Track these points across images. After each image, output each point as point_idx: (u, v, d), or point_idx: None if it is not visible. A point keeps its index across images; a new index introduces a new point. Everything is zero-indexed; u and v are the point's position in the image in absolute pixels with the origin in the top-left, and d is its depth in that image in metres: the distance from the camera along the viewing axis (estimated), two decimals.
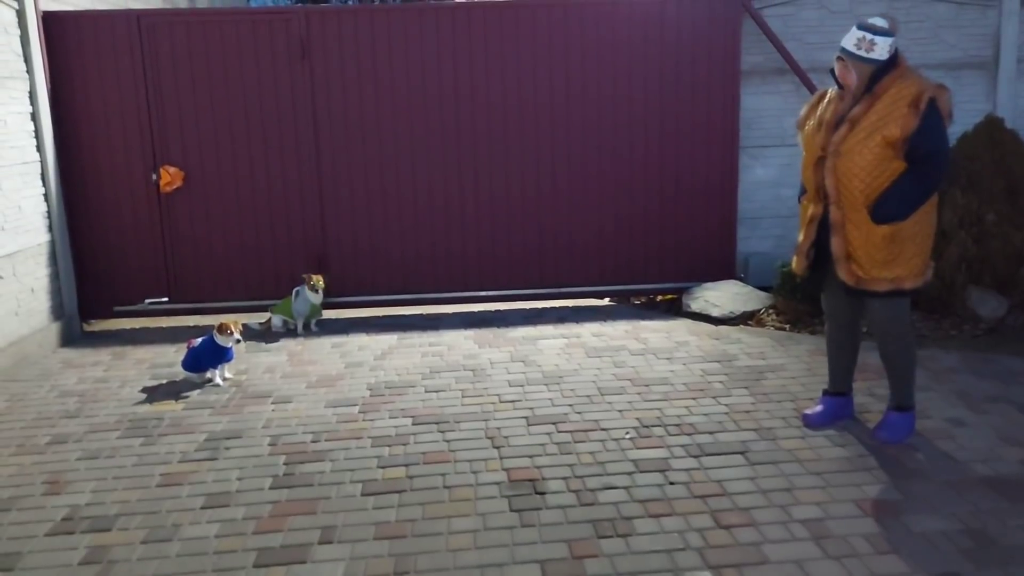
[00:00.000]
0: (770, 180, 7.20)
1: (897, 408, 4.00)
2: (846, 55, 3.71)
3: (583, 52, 6.71)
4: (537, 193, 6.90)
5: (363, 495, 3.61)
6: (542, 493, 3.57)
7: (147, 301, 6.80)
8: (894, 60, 3.69)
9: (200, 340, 5.24)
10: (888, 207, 3.66)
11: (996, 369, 4.89)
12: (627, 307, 6.93)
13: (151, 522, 3.44)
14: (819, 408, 4.23)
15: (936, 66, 7.02)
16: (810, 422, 4.18)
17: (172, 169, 6.62)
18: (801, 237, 4.04)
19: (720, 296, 6.47)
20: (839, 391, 4.24)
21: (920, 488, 3.49)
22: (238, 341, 5.26)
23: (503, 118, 6.78)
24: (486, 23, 6.65)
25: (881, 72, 3.67)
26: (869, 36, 3.65)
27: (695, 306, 6.45)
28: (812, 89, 6.77)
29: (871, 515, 3.29)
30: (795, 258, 4.11)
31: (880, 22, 3.68)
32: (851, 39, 3.70)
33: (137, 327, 6.71)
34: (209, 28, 6.53)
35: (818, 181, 3.85)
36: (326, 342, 6.06)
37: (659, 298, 7.11)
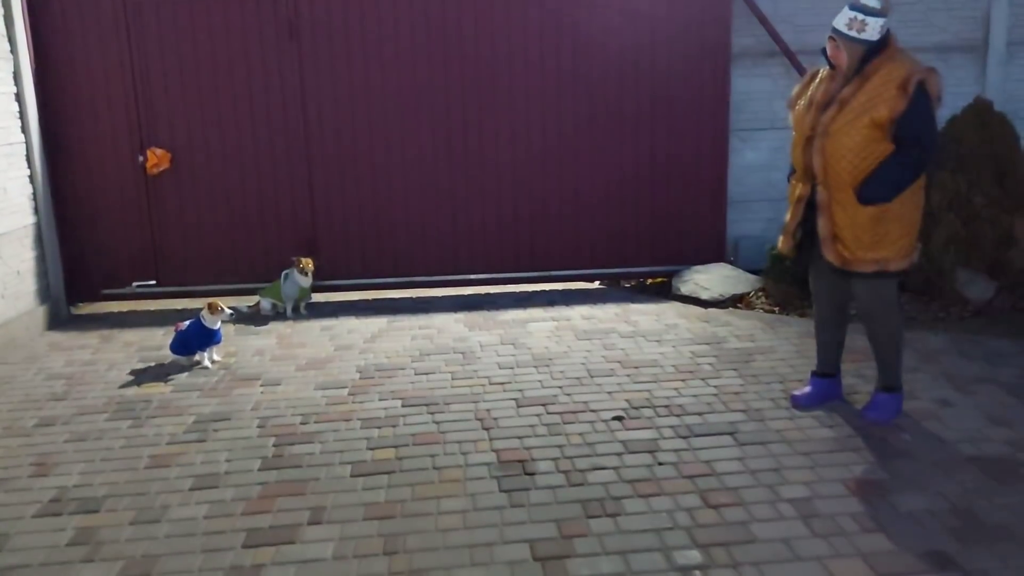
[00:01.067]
0: (760, 163, 7.19)
1: (885, 389, 4.03)
2: (837, 35, 3.69)
3: (574, 33, 6.67)
4: (528, 176, 6.87)
5: (352, 476, 3.61)
6: (531, 474, 3.58)
7: (135, 284, 6.76)
8: (885, 41, 3.67)
9: (188, 323, 5.21)
10: (874, 188, 3.65)
11: (983, 351, 4.92)
12: (617, 290, 6.93)
13: (139, 503, 3.43)
14: (808, 389, 4.25)
15: (926, 49, 7.00)
16: (798, 403, 4.20)
17: (159, 151, 6.56)
18: (788, 217, 4.04)
19: (710, 279, 6.48)
20: (827, 372, 4.26)
21: (907, 468, 3.51)
22: (231, 315, 5.24)
23: (493, 101, 6.74)
24: (476, 5, 6.59)
25: (872, 53, 3.65)
26: (860, 16, 3.62)
27: (685, 289, 6.45)
28: (802, 72, 6.74)
29: (858, 495, 3.31)
30: (781, 238, 4.12)
31: (872, 2, 3.63)
32: (843, 19, 3.67)
33: (125, 310, 6.67)
34: (197, 7, 6.46)
35: (806, 161, 3.84)
36: (315, 325, 6.04)
37: (649, 281, 7.12)
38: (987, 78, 7.22)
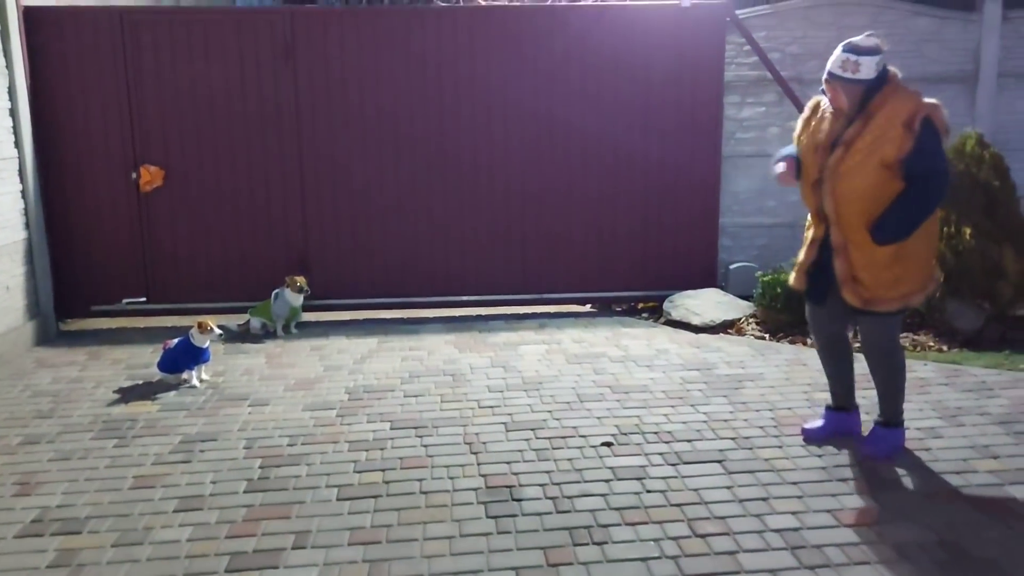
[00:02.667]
0: (753, 190, 7.24)
1: (884, 423, 3.96)
2: (833, 78, 3.62)
3: (569, 59, 6.72)
4: (521, 199, 6.89)
5: (338, 500, 3.58)
6: (519, 500, 3.56)
7: (124, 301, 6.74)
8: (884, 77, 3.61)
9: (176, 341, 5.19)
10: (889, 228, 3.58)
11: (972, 381, 4.93)
12: (608, 314, 6.93)
13: (122, 525, 3.40)
14: (819, 423, 4.16)
15: (918, 80, 7.06)
16: (808, 436, 4.11)
17: (152, 168, 6.56)
18: (802, 256, 3.96)
19: (701, 304, 6.49)
20: (841, 406, 4.15)
21: (896, 499, 3.51)
22: (220, 335, 5.22)
23: (487, 123, 6.78)
24: (472, 27, 6.65)
25: (872, 91, 3.59)
26: (853, 57, 3.55)
27: (676, 314, 6.46)
28: (794, 99, 6.80)
29: (846, 525, 3.29)
30: (794, 274, 4.03)
31: (864, 41, 3.59)
32: (836, 61, 3.60)
33: (114, 327, 6.64)
34: (193, 27, 6.49)
35: (817, 203, 3.77)
36: (305, 345, 6.02)
37: (640, 305, 7.12)
38: (977, 109, 7.29)
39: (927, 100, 3.58)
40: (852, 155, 3.60)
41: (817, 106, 3.89)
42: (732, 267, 7.10)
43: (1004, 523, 3.29)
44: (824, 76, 3.68)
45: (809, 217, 3.93)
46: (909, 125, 3.50)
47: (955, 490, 3.58)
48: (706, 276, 7.04)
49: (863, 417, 4.18)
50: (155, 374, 5.24)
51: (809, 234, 3.92)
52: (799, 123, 3.96)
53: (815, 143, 3.77)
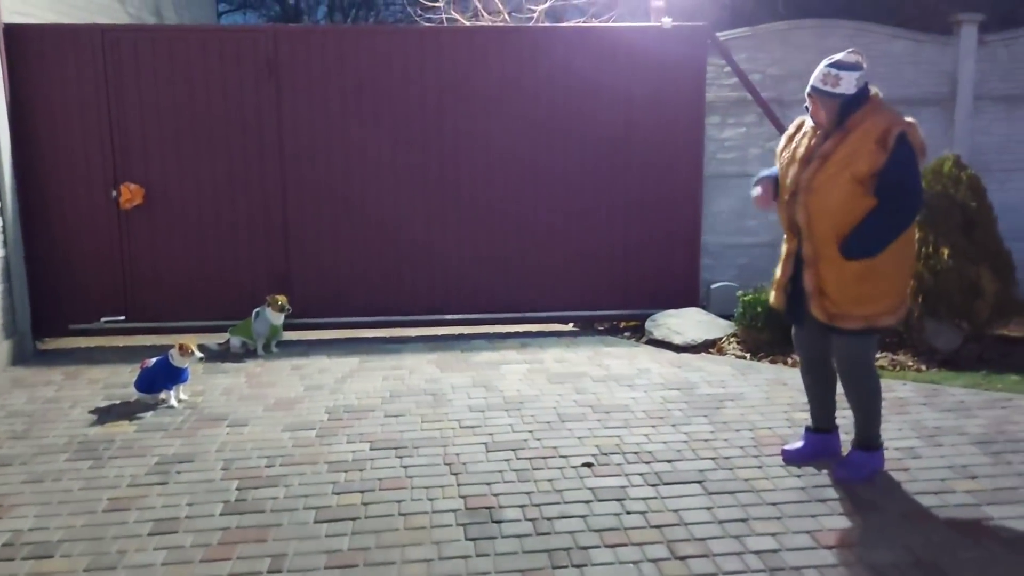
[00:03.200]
0: (734, 210, 7.28)
1: (860, 446, 3.95)
2: (814, 91, 3.67)
3: (552, 80, 6.76)
4: (504, 219, 6.90)
5: (316, 522, 3.54)
6: (498, 521, 3.53)
7: (103, 320, 6.68)
8: (864, 95, 3.65)
9: (155, 360, 5.14)
10: (858, 243, 3.61)
11: (951, 401, 4.96)
12: (591, 333, 6.94)
13: (95, 549, 3.34)
14: (799, 444, 4.16)
15: (896, 102, 7.11)
16: (787, 458, 4.11)
17: (133, 186, 6.53)
18: (779, 272, 3.99)
19: (682, 324, 6.51)
20: (820, 428, 4.15)
21: (874, 519, 3.51)
22: (200, 359, 5.18)
23: (470, 142, 6.80)
24: (455, 48, 6.67)
25: (851, 106, 3.63)
26: (834, 71, 3.61)
27: (658, 333, 6.47)
28: (774, 120, 6.87)
29: (825, 547, 3.29)
30: (773, 292, 4.05)
31: (846, 57, 3.65)
32: (819, 76, 3.66)
33: (92, 346, 6.58)
34: (176, 44, 6.48)
35: (790, 217, 3.81)
36: (286, 364, 5.99)
37: (623, 324, 7.13)
38: (955, 131, 7.39)
39: (903, 118, 3.61)
40: (826, 169, 3.64)
41: (801, 124, 3.94)
42: (713, 286, 7.13)
43: (981, 544, 3.29)
44: (807, 90, 3.73)
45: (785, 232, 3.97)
46: (883, 141, 3.53)
47: (933, 511, 3.58)
48: (688, 295, 7.06)
49: (843, 437, 4.19)
50: (133, 394, 5.18)
51: (784, 248, 3.95)
52: (782, 140, 4.01)
53: (794, 157, 3.81)
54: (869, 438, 3.93)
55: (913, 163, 3.58)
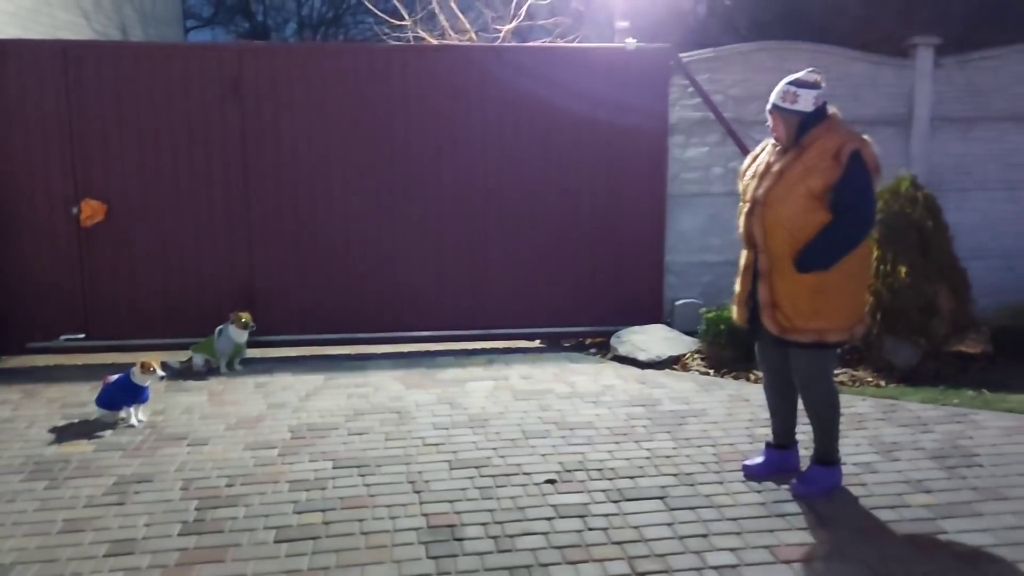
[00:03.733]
0: (697, 228, 7.36)
1: (819, 462, 3.99)
2: (773, 108, 3.79)
3: (518, 98, 6.81)
4: (469, 235, 6.92)
5: (276, 542, 3.51)
6: (460, 539, 3.53)
7: (63, 337, 6.59)
8: (822, 113, 3.76)
9: (117, 376, 5.07)
10: (811, 257, 3.69)
11: (908, 416, 5.04)
12: (557, 349, 6.96)
13: (49, 571, 3.28)
14: (760, 459, 4.20)
15: (855, 122, 7.22)
16: (748, 473, 4.14)
17: (94, 202, 6.47)
18: (738, 287, 4.05)
19: (647, 340, 6.55)
20: (781, 444, 4.19)
21: (832, 534, 3.55)
22: (162, 378, 5.12)
23: (436, 160, 6.82)
24: (420, 65, 6.71)
25: (808, 124, 3.73)
26: (793, 89, 3.74)
27: (623, 350, 6.51)
28: (736, 140, 6.98)
29: (783, 561, 3.33)
30: (734, 307, 4.10)
31: (805, 76, 3.78)
32: (778, 93, 3.79)
33: (51, 364, 6.48)
34: (139, 61, 6.45)
35: (748, 230, 3.90)
36: (249, 382, 5.94)
37: (589, 341, 7.17)
38: (911, 152, 7.55)
39: (858, 136, 3.72)
40: (782, 183, 3.74)
41: (764, 149, 4.04)
42: (678, 303, 7.20)
43: (936, 558, 3.35)
44: (768, 107, 3.84)
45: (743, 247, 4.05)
46: (837, 157, 3.64)
47: (889, 525, 3.64)
48: (652, 312, 7.12)
49: (802, 453, 4.24)
50: (92, 412, 5.11)
51: (742, 262, 4.02)
52: (747, 160, 4.12)
53: (755, 174, 3.92)
54: (828, 453, 3.97)
55: (866, 180, 3.69)
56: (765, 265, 3.84)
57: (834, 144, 3.67)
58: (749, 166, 4.05)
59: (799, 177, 3.69)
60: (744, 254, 4.01)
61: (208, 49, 6.93)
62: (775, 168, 3.79)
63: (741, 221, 3.96)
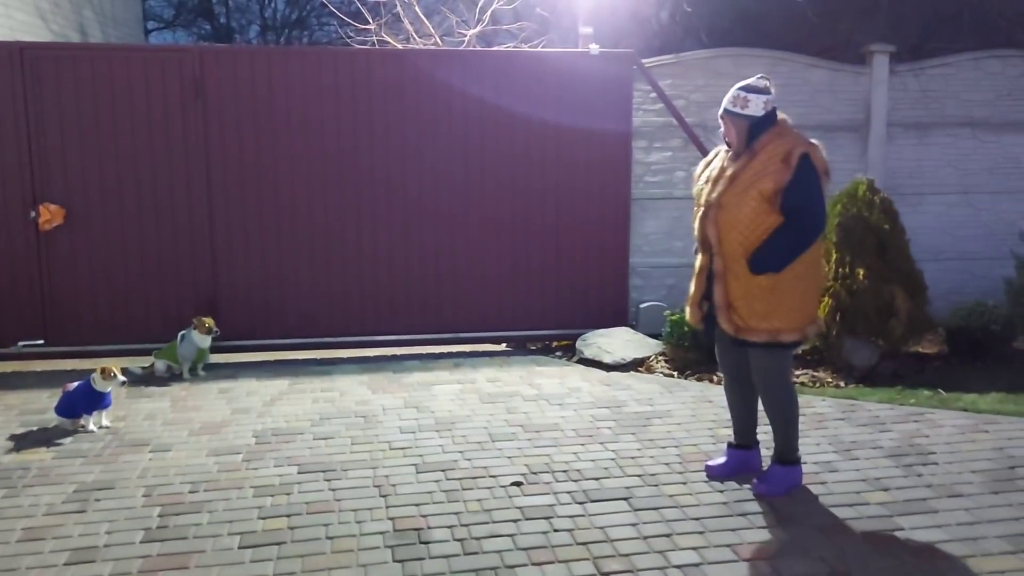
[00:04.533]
0: (661, 231, 7.45)
1: (779, 461, 4.06)
2: (725, 113, 3.90)
3: (482, 102, 6.84)
4: (435, 238, 6.93)
5: (240, 548, 3.49)
6: (427, 542, 3.54)
7: (21, 344, 6.47)
8: (772, 119, 3.86)
9: (76, 384, 5.00)
10: (764, 258, 3.79)
11: (867, 416, 5.15)
12: (523, 353, 6.99)
13: None
14: (722, 460, 4.26)
15: (813, 127, 7.44)
16: (711, 473, 4.20)
17: (52, 207, 6.37)
18: (693, 288, 4.12)
19: (612, 343, 6.61)
20: (742, 444, 4.25)
21: (792, 533, 3.62)
22: (123, 383, 5.05)
23: (401, 163, 6.82)
24: (384, 70, 6.71)
25: (759, 128, 3.83)
26: (743, 94, 3.84)
27: (588, 352, 6.56)
28: (698, 144, 7.08)
29: (745, 560, 3.38)
30: (688, 309, 4.18)
31: (755, 82, 3.89)
32: (729, 98, 3.89)
33: (8, 371, 6.35)
34: (98, 63, 6.36)
35: (703, 233, 3.97)
36: (213, 387, 5.88)
37: (555, 344, 7.21)
38: (869, 156, 7.71)
39: (808, 140, 3.84)
40: (734, 187, 3.83)
41: (716, 155, 4.13)
42: (642, 306, 7.27)
43: (893, 554, 3.43)
44: (720, 112, 3.94)
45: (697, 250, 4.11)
46: (787, 160, 3.74)
47: (848, 523, 3.72)
48: (618, 315, 7.19)
49: (763, 453, 4.31)
50: (51, 420, 5.03)
51: (696, 264, 4.09)
52: (700, 166, 4.20)
53: (708, 178, 4.01)
54: (788, 452, 4.05)
55: (816, 183, 3.79)
56: (719, 267, 3.92)
57: (783, 148, 3.78)
58: (702, 171, 4.12)
59: (750, 180, 3.78)
60: (699, 257, 4.07)
61: (169, 51, 6.86)
62: (728, 172, 3.88)
63: (696, 224, 4.03)
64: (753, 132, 3.84)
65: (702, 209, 3.97)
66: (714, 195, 3.89)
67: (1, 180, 6.32)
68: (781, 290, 3.82)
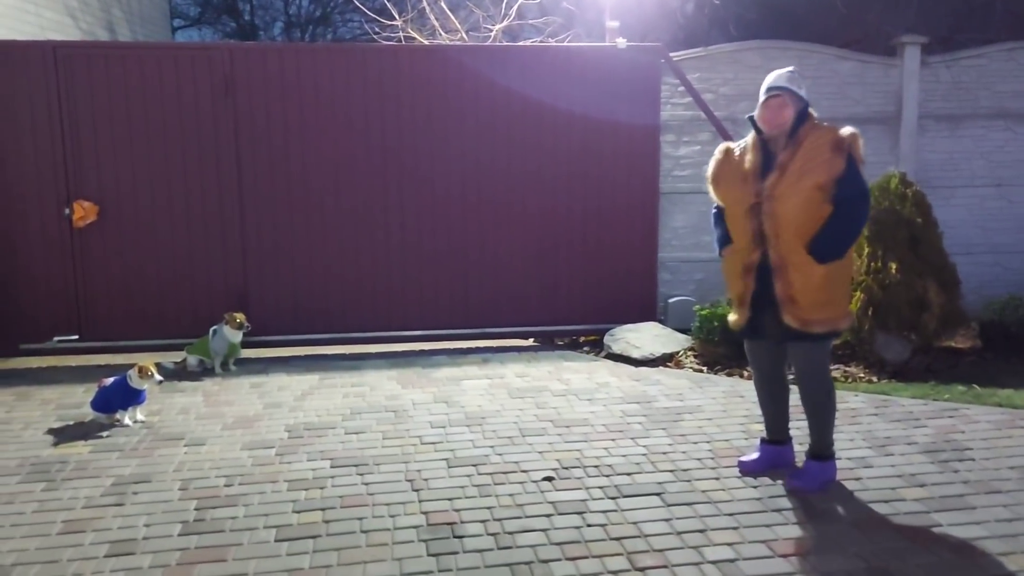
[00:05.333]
0: (689, 226, 7.41)
1: (815, 456, 4.03)
2: (783, 91, 3.78)
3: (510, 97, 6.83)
4: (463, 234, 6.94)
5: (276, 541, 3.52)
6: (460, 537, 3.55)
7: (56, 339, 6.56)
8: (807, 110, 3.82)
9: (112, 380, 5.07)
10: (828, 246, 3.75)
11: (900, 411, 5.09)
12: (551, 348, 6.99)
13: (50, 572, 3.28)
14: (755, 456, 4.23)
15: (842, 120, 7.32)
16: (744, 469, 4.17)
17: (86, 204, 6.45)
18: (739, 288, 3.98)
19: (641, 338, 6.59)
20: (776, 440, 4.22)
21: (828, 528, 3.59)
22: (160, 382, 5.10)
23: (430, 159, 6.83)
24: (413, 66, 6.72)
25: (803, 116, 3.79)
26: (797, 76, 3.84)
27: (616, 347, 6.55)
28: (727, 138, 7.01)
29: (781, 556, 3.36)
30: (736, 310, 4.05)
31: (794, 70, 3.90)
32: (783, 77, 3.82)
33: (44, 366, 6.45)
34: (129, 61, 6.43)
35: (754, 228, 3.86)
36: (244, 382, 5.94)
37: (582, 339, 7.20)
38: (900, 149, 7.62)
39: (849, 129, 3.80)
40: (786, 178, 3.76)
41: (727, 151, 4.06)
42: (671, 301, 7.24)
43: (930, 551, 3.39)
44: (771, 91, 3.81)
45: (732, 249, 4.02)
46: (838, 148, 3.71)
47: (884, 518, 3.68)
48: (646, 310, 7.16)
49: (796, 448, 4.28)
50: (87, 414, 5.10)
51: (737, 265, 3.98)
52: (712, 167, 4.09)
53: (742, 173, 3.92)
54: (823, 447, 4.02)
55: (860, 171, 3.79)
56: (778, 260, 3.82)
57: (827, 137, 3.75)
58: (720, 170, 4.03)
59: (801, 171, 3.73)
60: (742, 254, 3.96)
61: (199, 49, 6.92)
62: (776, 163, 3.80)
63: (744, 221, 3.90)
64: (799, 118, 3.80)
65: (751, 203, 3.84)
66: (765, 187, 3.81)
67: (36, 177, 6.40)
68: (835, 279, 3.81)
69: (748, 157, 3.94)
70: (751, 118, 3.92)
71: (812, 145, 3.75)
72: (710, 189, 4.12)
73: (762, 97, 3.86)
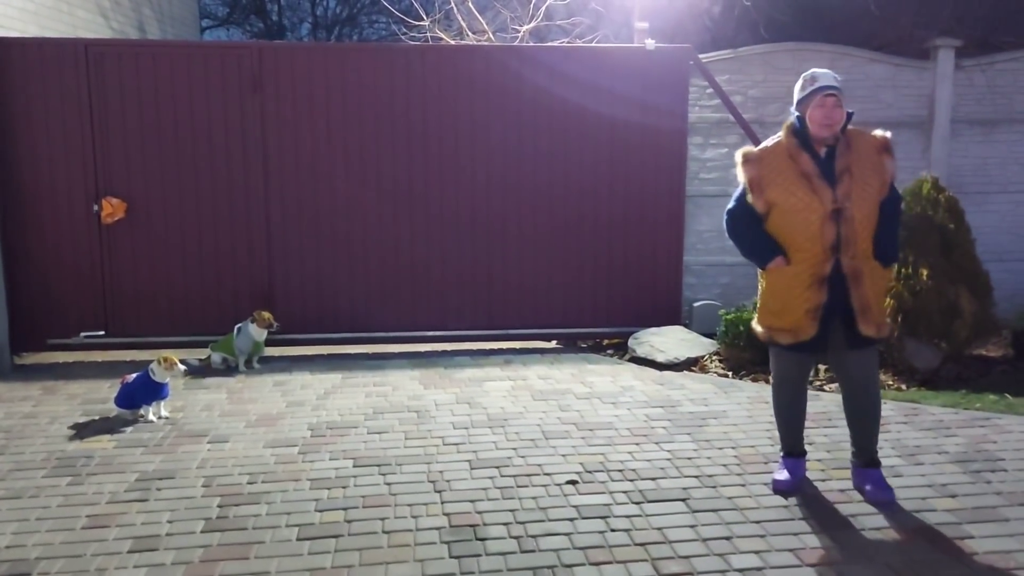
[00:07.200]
0: (716, 229, 7.34)
1: (874, 463, 3.92)
2: (837, 91, 3.63)
3: (534, 99, 6.80)
4: (487, 235, 6.92)
5: (299, 540, 3.51)
6: (483, 539, 3.52)
7: (82, 334, 6.62)
8: (851, 113, 3.73)
9: (135, 376, 5.09)
10: (893, 249, 3.75)
11: (930, 420, 5.00)
12: (574, 350, 6.95)
13: (74, 566, 3.30)
14: (785, 474, 4.05)
15: (874, 124, 7.21)
16: (780, 488, 3.98)
17: (114, 200, 6.50)
18: (807, 300, 3.72)
19: (665, 342, 6.53)
20: (801, 452, 4.13)
21: (855, 537, 3.53)
22: (186, 372, 5.12)
23: (455, 160, 6.82)
24: (440, 66, 6.71)
25: (848, 117, 3.69)
26: (840, 79, 3.75)
27: (641, 351, 6.49)
28: (756, 141, 6.92)
29: (808, 565, 3.30)
30: (796, 324, 3.77)
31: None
32: (829, 77, 3.68)
33: (71, 361, 6.51)
34: (159, 60, 6.47)
35: (831, 236, 3.65)
36: (268, 380, 5.95)
37: (606, 342, 7.15)
38: (932, 153, 7.50)
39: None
40: (857, 181, 3.66)
41: (759, 156, 3.83)
42: (696, 305, 7.17)
43: (962, 562, 3.32)
44: (827, 90, 3.63)
45: (786, 263, 3.78)
46: (882, 151, 3.69)
47: (914, 529, 3.61)
48: (671, 313, 7.10)
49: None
50: (112, 409, 5.13)
51: (804, 276, 3.72)
52: (748, 171, 3.83)
53: (806, 174, 3.69)
54: (875, 453, 3.95)
55: None
56: (853, 268, 3.66)
57: (869, 139, 3.72)
58: (763, 176, 3.77)
59: (864, 175, 3.66)
60: (811, 263, 3.70)
61: (228, 48, 6.95)
62: (839, 167, 3.66)
63: (819, 227, 3.65)
64: (847, 120, 3.72)
65: (831, 209, 3.62)
66: (841, 193, 3.63)
67: (66, 174, 6.46)
68: (884, 284, 3.81)
69: (802, 159, 3.71)
70: (799, 117, 3.74)
71: (860, 149, 3.69)
72: (749, 196, 3.83)
73: (813, 96, 3.66)
